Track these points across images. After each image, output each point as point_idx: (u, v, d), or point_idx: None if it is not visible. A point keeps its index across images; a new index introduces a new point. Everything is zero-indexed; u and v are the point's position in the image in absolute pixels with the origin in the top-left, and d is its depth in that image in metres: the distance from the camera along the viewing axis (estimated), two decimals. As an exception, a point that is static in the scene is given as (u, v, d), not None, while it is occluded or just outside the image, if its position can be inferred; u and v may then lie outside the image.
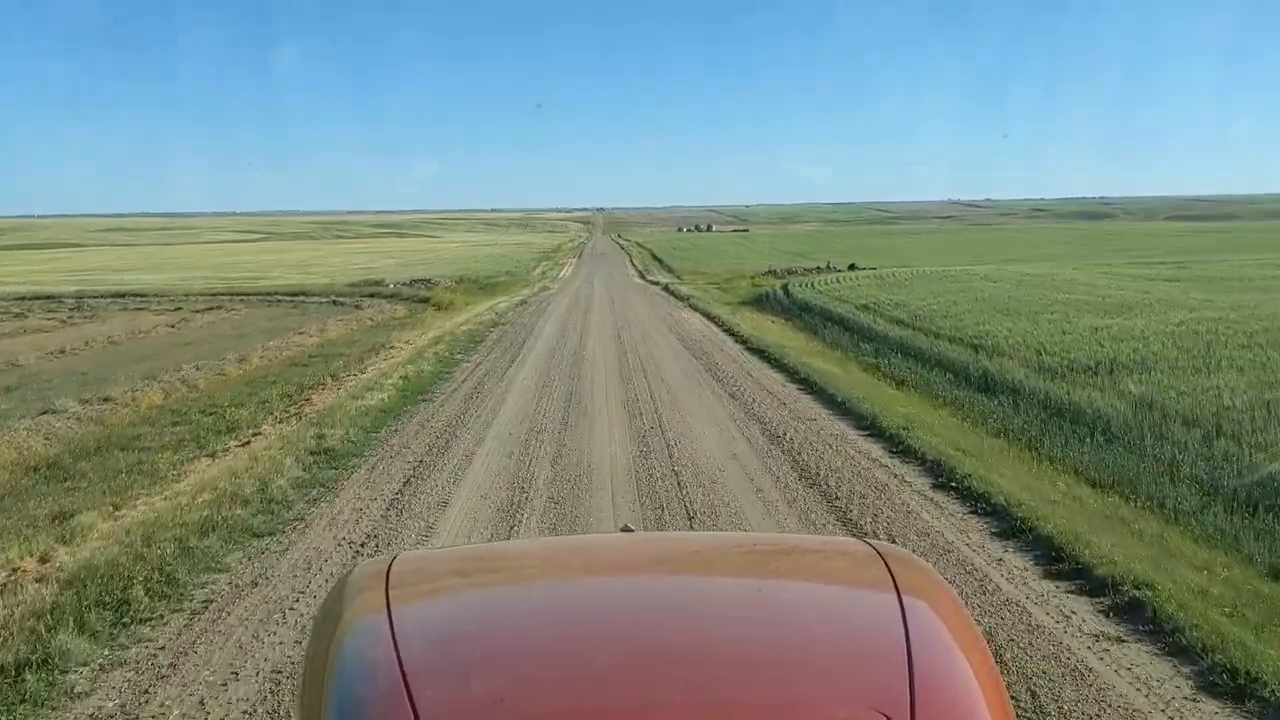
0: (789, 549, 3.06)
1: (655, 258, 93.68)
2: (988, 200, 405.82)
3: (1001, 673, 3.05)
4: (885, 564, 2.21)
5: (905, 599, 2.03)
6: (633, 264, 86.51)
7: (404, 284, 55.65)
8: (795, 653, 1.95)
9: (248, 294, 53.89)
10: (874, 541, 2.44)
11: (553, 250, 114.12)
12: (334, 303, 48.07)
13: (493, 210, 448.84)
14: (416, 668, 1.80)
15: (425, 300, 47.27)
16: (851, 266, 57.56)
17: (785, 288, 42.82)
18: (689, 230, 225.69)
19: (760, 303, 39.15)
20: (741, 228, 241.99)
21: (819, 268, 57.99)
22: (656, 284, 56.10)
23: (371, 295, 51.14)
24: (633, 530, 3.57)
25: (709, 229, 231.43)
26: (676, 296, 42.62)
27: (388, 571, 2.26)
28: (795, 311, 33.20)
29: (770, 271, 57.53)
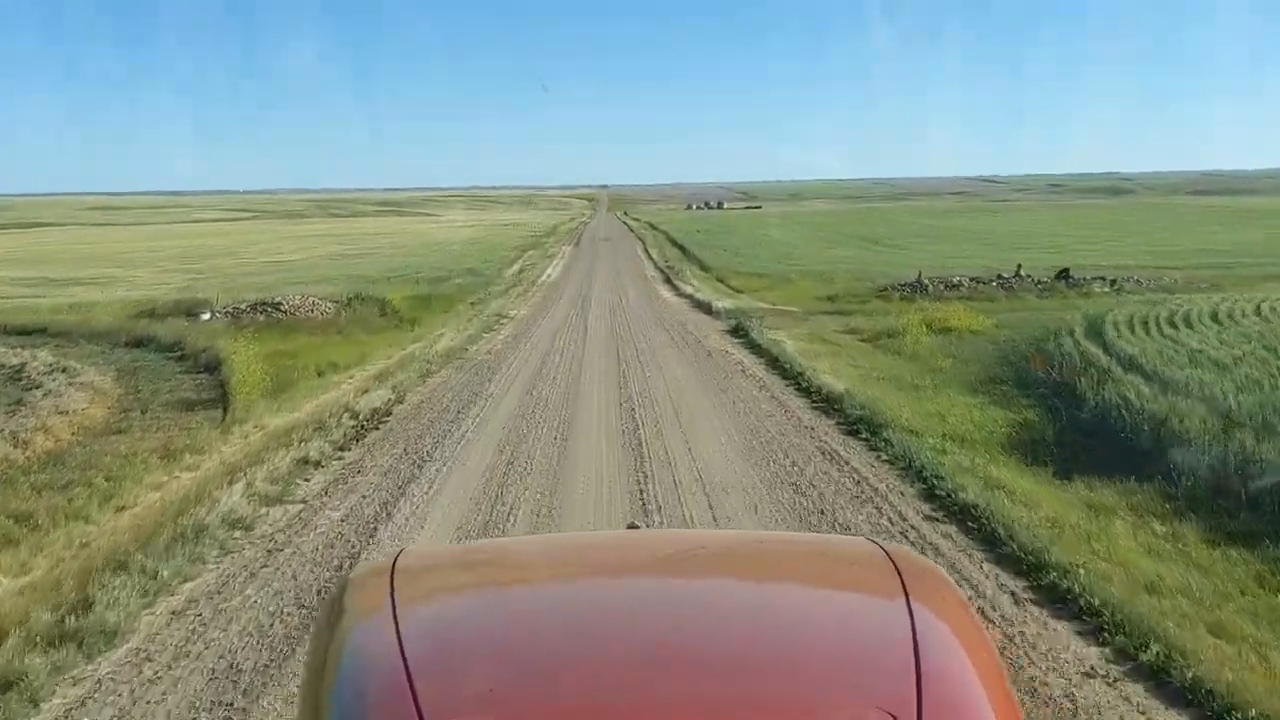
0: (796, 547, 2.74)
1: (676, 244, 65.68)
2: (995, 176, 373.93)
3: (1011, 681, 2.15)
4: (893, 564, 1.99)
5: (913, 599, 1.84)
6: (648, 255, 58.47)
7: (241, 308, 27.95)
8: (801, 652, 1.77)
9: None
10: (881, 541, 2.20)
11: (546, 234, 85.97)
12: (13, 376, 20.41)
13: (496, 188, 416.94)
14: (420, 664, 1.66)
15: (207, 368, 19.79)
16: (1062, 274, 29.65)
17: (1106, 349, 14.95)
18: (699, 207, 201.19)
19: (1094, 445, 11.01)
20: (754, 204, 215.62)
21: (1000, 278, 30.00)
22: (703, 307, 28.28)
23: (136, 344, 23.60)
24: (639, 527, 3.28)
25: (720, 206, 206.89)
26: (818, 402, 13.94)
27: (392, 568, 2.02)
28: None
29: (916, 285, 29.48)
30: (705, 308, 28.40)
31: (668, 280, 40.41)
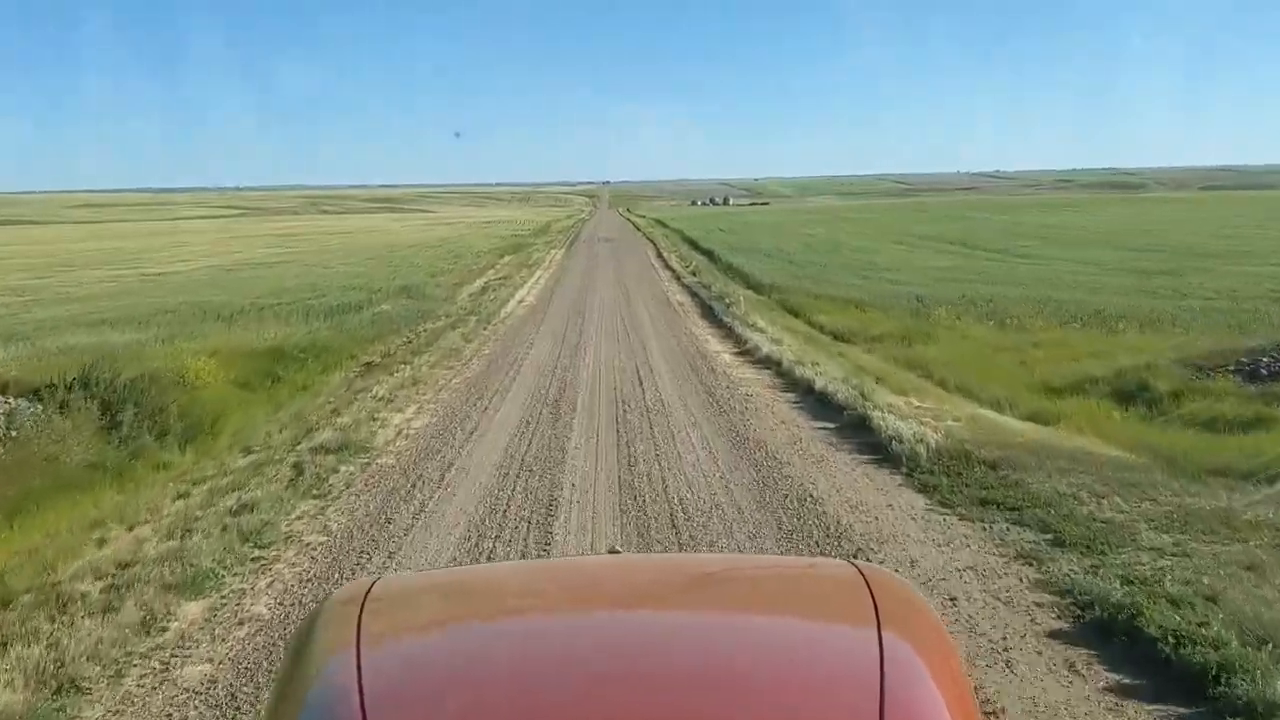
0: (772, 571, 2.58)
1: (697, 248, 49.20)
2: (999, 172, 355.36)
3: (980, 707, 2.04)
4: (867, 586, 1.93)
5: (884, 623, 1.80)
6: (665, 265, 41.82)
7: None
8: (769, 678, 1.72)
9: None
10: (858, 563, 2.13)
11: (536, 233, 69.30)
12: None
13: (498, 184, 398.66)
14: (377, 698, 1.58)
15: None
16: None
17: None
18: (704, 204, 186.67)
19: None
20: (760, 200, 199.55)
21: None
22: (841, 417, 11.69)
23: None
24: (620, 552, 3.20)
25: (725, 202, 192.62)
26: None
27: (364, 597, 1.93)
28: None
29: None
30: (848, 420, 11.70)
31: (709, 314, 23.73)
